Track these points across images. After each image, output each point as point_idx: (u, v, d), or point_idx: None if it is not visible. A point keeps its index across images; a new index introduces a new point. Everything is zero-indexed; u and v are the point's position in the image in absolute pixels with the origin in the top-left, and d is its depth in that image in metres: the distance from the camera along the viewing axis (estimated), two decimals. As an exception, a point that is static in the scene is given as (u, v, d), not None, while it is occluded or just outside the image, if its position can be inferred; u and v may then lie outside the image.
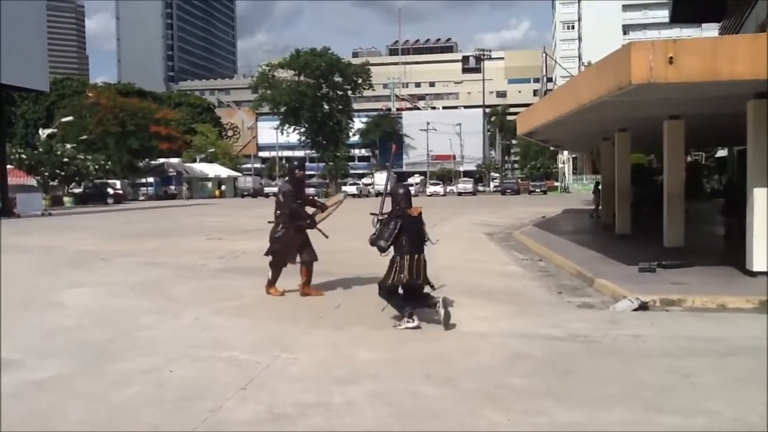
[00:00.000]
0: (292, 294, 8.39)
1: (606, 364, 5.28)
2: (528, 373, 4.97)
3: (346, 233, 18.26)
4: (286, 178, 9.17)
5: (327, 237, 8.87)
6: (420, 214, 6.86)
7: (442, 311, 6.34)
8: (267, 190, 61.07)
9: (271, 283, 8.52)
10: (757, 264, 9.70)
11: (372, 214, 6.96)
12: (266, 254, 8.55)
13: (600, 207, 24.44)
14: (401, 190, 6.99)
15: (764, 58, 8.12)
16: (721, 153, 39.67)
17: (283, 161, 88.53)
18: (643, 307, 7.92)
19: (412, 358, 5.42)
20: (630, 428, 3.86)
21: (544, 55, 70.86)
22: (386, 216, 6.79)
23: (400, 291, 6.71)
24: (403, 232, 6.61)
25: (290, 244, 8.38)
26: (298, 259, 8.50)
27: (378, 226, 6.84)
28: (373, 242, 6.75)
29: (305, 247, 8.48)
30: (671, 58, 8.28)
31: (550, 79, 74.15)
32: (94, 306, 7.96)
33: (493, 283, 9.93)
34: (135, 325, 6.84)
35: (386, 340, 6.02)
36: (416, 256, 6.61)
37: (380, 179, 70.96)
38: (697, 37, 9.78)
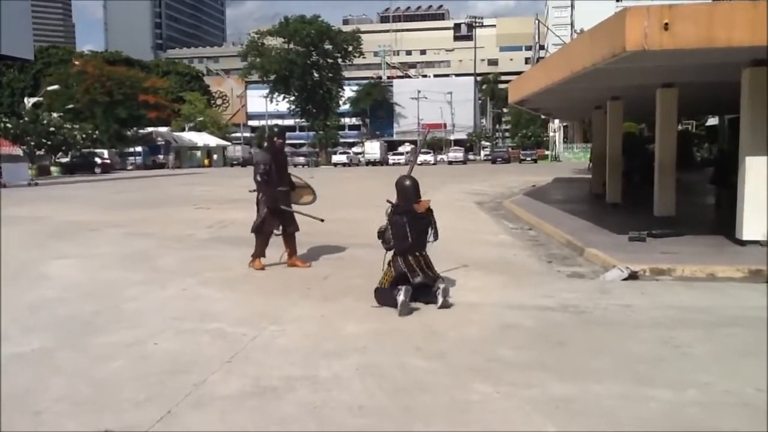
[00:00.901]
0: (281, 266, 8.29)
1: (597, 334, 5.23)
2: (519, 345, 4.91)
3: (336, 202, 18.24)
4: (264, 146, 8.80)
5: (322, 221, 8.88)
6: (428, 209, 6.47)
7: (440, 300, 6.07)
8: (256, 159, 60.58)
9: (255, 255, 8.24)
10: (747, 233, 9.68)
11: (389, 201, 6.59)
12: (252, 231, 8.32)
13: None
14: (408, 182, 6.51)
15: (764, 25, 7.98)
16: (712, 122, 39.58)
17: (273, 130, 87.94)
18: (633, 276, 7.89)
19: (401, 331, 5.34)
20: (622, 401, 3.81)
21: (536, 22, 70.20)
22: (392, 208, 6.43)
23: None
24: (409, 230, 6.25)
25: (270, 213, 8.16)
26: (279, 230, 8.31)
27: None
28: (391, 246, 6.36)
29: (286, 217, 8.24)
30: (666, 24, 8.12)
31: (542, 47, 73.58)
32: (81, 278, 7.85)
33: (484, 253, 9.86)
34: (121, 297, 6.74)
35: (375, 313, 5.94)
36: (418, 253, 6.29)
37: (370, 148, 70.71)
38: (694, 3, 9.54)
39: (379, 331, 5.32)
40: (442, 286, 6.15)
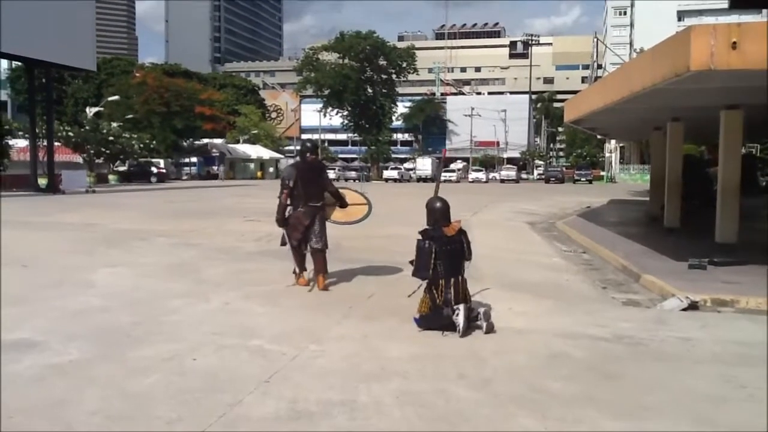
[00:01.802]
0: (329, 282, 8.14)
1: (652, 369, 4.91)
2: (567, 377, 4.64)
3: (386, 218, 18.13)
4: (296, 160, 8.39)
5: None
6: (460, 231, 6.11)
7: (484, 324, 5.79)
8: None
9: (297, 272, 8.07)
10: (817, 264, 9.17)
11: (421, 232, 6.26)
12: (282, 244, 8.15)
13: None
14: (437, 204, 6.19)
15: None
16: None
17: (325, 144, 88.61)
18: (693, 306, 7.50)
19: (444, 356, 5.13)
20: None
21: (595, 40, 69.11)
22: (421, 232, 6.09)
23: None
24: (438, 256, 5.86)
25: (294, 225, 7.87)
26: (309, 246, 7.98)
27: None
28: (415, 273, 6.01)
29: (314, 233, 7.86)
30: (734, 42, 7.77)
31: (600, 66, 72.44)
32: (125, 287, 7.86)
33: (534, 276, 9.57)
34: (162, 308, 6.70)
35: (419, 335, 5.74)
36: (453, 279, 5.88)
37: (422, 164, 70.60)
38: (763, 21, 9.12)
39: (422, 355, 5.12)
40: (482, 310, 5.92)
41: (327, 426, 3.71)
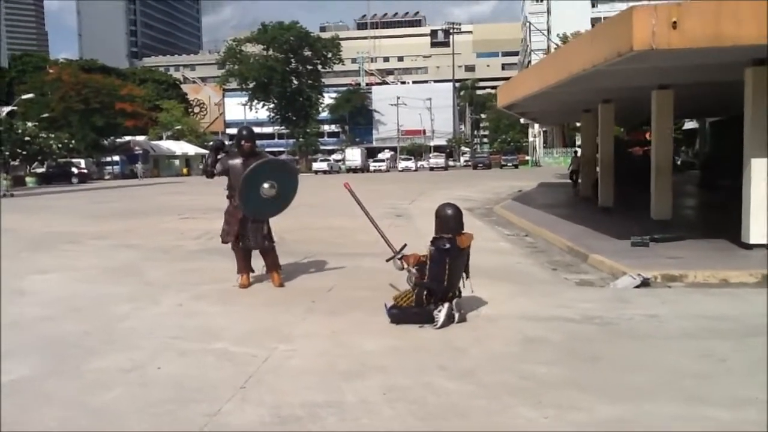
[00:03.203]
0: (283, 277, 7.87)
1: (630, 348, 4.90)
2: (549, 361, 4.57)
3: (324, 210, 17.87)
4: (231, 149, 7.84)
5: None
6: (469, 245, 5.75)
7: (456, 314, 5.62)
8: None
9: (239, 271, 7.50)
10: (754, 236, 9.47)
11: (389, 260, 5.93)
12: (223, 242, 7.69)
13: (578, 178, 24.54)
14: (450, 211, 5.70)
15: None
16: (689, 125, 39.68)
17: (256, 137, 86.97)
18: (645, 283, 7.61)
19: (420, 347, 4.97)
20: (679, 423, 3.47)
21: (528, 24, 70.08)
22: (431, 248, 5.61)
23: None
24: (450, 269, 5.51)
25: (228, 221, 7.47)
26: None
27: (408, 266, 5.73)
28: (427, 288, 5.55)
29: (251, 229, 7.36)
30: (675, 22, 7.89)
31: (527, 52, 73.77)
32: (64, 293, 7.35)
33: (486, 261, 9.48)
34: (111, 314, 6.27)
35: (389, 327, 5.55)
36: (450, 293, 5.64)
37: (351, 155, 70.37)
38: (700, 1, 9.26)
39: (397, 348, 4.94)
40: (455, 300, 5.77)
41: (318, 430, 3.49)
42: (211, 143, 7.49)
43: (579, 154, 29.43)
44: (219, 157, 7.50)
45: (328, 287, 7.33)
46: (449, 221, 5.67)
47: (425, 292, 5.62)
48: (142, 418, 3.70)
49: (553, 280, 8.14)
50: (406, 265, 5.84)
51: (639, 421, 3.50)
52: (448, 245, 5.52)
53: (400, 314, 5.67)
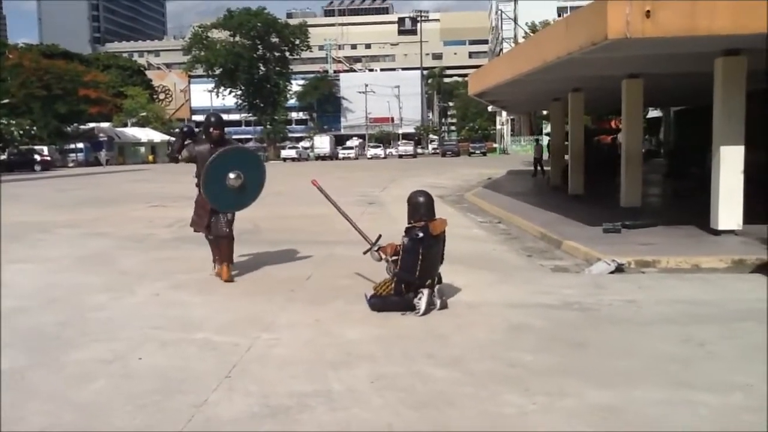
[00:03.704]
0: (260, 266, 7.80)
1: (612, 333, 4.96)
2: (535, 348, 4.60)
3: (294, 198, 17.76)
4: (199, 136, 7.48)
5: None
6: (443, 231, 5.76)
7: (437, 301, 5.62)
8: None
9: (215, 262, 7.26)
10: (723, 223, 9.67)
11: (365, 252, 5.96)
12: (195, 231, 7.50)
13: (540, 167, 24.89)
14: (422, 198, 5.71)
15: (744, 13, 7.91)
16: (653, 114, 40.22)
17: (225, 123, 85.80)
18: (619, 269, 7.73)
19: (404, 335, 4.96)
20: (669, 408, 3.52)
21: (499, 12, 70.09)
22: (404, 238, 5.56)
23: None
24: (423, 258, 5.48)
25: (197, 211, 7.25)
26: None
27: (386, 256, 5.72)
28: (400, 279, 5.53)
29: (218, 218, 7.13)
30: (648, 11, 7.97)
31: (496, 40, 73.92)
32: (38, 284, 7.18)
33: (461, 248, 9.49)
34: (87, 304, 6.15)
35: (371, 315, 5.54)
36: (429, 281, 5.61)
37: (320, 143, 70.02)
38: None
39: (381, 336, 4.93)
40: (436, 287, 5.78)
41: (308, 419, 3.46)
42: (178, 129, 7.30)
43: (540, 142, 29.83)
44: (186, 142, 7.26)
45: (306, 276, 7.28)
46: (420, 208, 5.71)
47: (397, 279, 5.63)
48: (127, 409, 3.63)
49: (530, 267, 8.20)
50: (383, 256, 5.84)
51: (628, 407, 3.53)
52: (421, 234, 5.53)
53: (380, 303, 5.67)
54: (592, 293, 6.28)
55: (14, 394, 3.92)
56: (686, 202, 14.36)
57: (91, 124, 62.26)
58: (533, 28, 41.38)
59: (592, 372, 4.08)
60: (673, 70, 12.58)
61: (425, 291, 5.51)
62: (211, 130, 7.13)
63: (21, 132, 46.99)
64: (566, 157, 19.50)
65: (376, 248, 5.89)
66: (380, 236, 6.06)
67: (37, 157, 46.10)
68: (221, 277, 7.05)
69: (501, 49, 62.79)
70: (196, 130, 7.77)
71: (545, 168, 25.40)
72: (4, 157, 46.30)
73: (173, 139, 6.81)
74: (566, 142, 20.27)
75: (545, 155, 26.07)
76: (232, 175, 6.87)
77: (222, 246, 7.14)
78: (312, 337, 4.94)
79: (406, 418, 3.46)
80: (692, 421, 3.36)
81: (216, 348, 4.72)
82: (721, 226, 9.67)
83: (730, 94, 9.55)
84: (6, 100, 52.57)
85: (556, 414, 3.47)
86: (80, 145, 58.45)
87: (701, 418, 3.40)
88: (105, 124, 64.43)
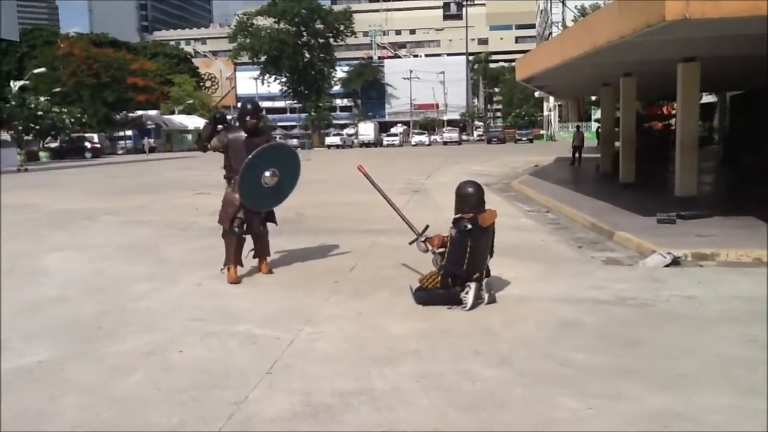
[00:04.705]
0: (303, 256, 7.66)
1: (670, 332, 4.68)
2: (587, 346, 4.36)
3: (340, 185, 17.68)
4: (232, 124, 7.05)
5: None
6: (493, 223, 5.54)
7: (485, 295, 5.41)
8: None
9: (226, 263, 6.71)
10: (786, 213, 9.22)
11: (412, 242, 5.77)
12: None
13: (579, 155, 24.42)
14: (471, 189, 5.46)
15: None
16: (706, 99, 38.83)
17: (263, 112, 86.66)
18: (676, 262, 7.37)
19: (450, 330, 4.78)
20: (735, 416, 3.26)
21: None
22: (452, 230, 5.35)
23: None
24: (472, 251, 5.26)
25: (226, 206, 6.78)
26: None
27: (433, 248, 5.52)
28: (447, 272, 5.35)
29: (250, 214, 6.74)
30: (709, -9, 7.55)
31: (545, 24, 72.47)
32: (81, 272, 7.22)
33: (509, 238, 9.25)
34: (129, 294, 6.13)
35: (416, 309, 5.37)
36: (477, 275, 5.39)
37: (364, 129, 69.92)
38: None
39: (427, 331, 4.75)
40: (484, 280, 5.55)
41: (351, 420, 3.31)
42: (212, 116, 7.03)
43: (581, 129, 29.14)
44: (218, 129, 6.81)
45: (350, 266, 7.14)
46: (470, 199, 5.47)
47: (444, 273, 5.44)
48: (165, 405, 3.54)
49: (581, 259, 7.90)
50: (430, 247, 5.65)
51: (689, 413, 3.29)
52: (469, 226, 5.31)
53: (426, 296, 5.49)
54: (647, 288, 5.99)
55: (50, 386, 3.88)
56: (744, 191, 13.79)
57: (139, 112, 63.36)
58: (583, 12, 40.36)
59: (649, 373, 3.83)
60: (731, 52, 12.01)
61: (472, 285, 5.31)
62: (248, 118, 6.71)
63: (72, 120, 47.98)
64: (617, 144, 18.96)
65: (423, 239, 5.70)
66: (427, 226, 5.87)
67: (88, 145, 47.13)
68: (228, 279, 6.59)
69: (550, 33, 61.45)
70: (229, 117, 7.37)
71: (582, 156, 25.09)
72: (56, 144, 47.42)
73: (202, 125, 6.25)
74: (616, 129, 19.72)
75: (585, 144, 25.63)
76: (267, 173, 6.48)
77: (262, 241, 6.89)
78: (355, 331, 4.80)
79: (454, 421, 3.28)
80: (758, 429, 3.10)
81: (257, 341, 4.61)
82: (784, 217, 9.21)
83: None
84: (57, 89, 53.80)
85: (613, 419, 3.24)
86: (129, 133, 59.52)
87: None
88: (152, 112, 65.47)
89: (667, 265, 7.26)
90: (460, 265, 5.32)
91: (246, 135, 6.67)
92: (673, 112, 37.86)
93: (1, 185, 16.91)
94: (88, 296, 6.12)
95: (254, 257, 6.96)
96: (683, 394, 3.53)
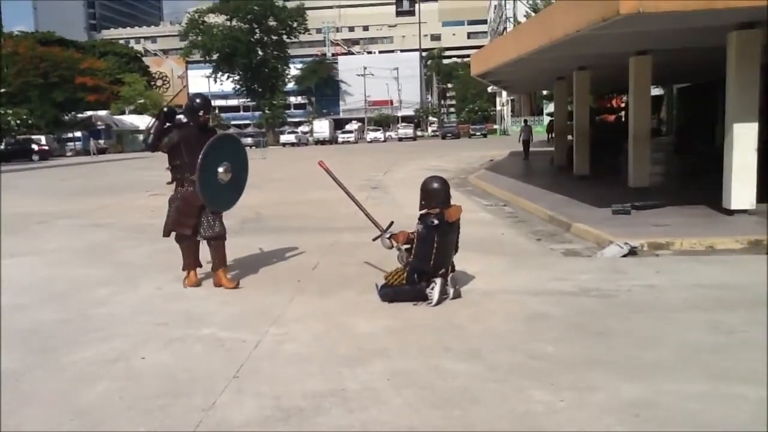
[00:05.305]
0: (264, 255, 7.56)
1: (635, 321, 4.75)
2: (556, 338, 4.39)
3: (298, 183, 17.54)
4: (181, 120, 6.53)
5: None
6: (458, 218, 5.54)
7: (451, 290, 5.43)
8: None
9: (184, 268, 6.42)
10: (736, 202, 9.45)
11: (375, 239, 5.72)
12: (165, 235, 6.52)
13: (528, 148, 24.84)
14: (436, 184, 5.46)
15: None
16: (654, 92, 39.71)
17: (215, 110, 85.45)
18: (633, 252, 7.51)
19: (418, 327, 4.76)
20: (708, 403, 3.31)
21: None
22: (418, 226, 5.34)
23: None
24: (438, 246, 5.26)
25: (183, 209, 6.28)
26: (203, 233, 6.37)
27: (398, 244, 5.49)
28: (413, 268, 5.32)
29: (206, 216, 6.28)
30: (662, -15, 7.69)
31: (499, 20, 73.06)
32: (36, 278, 6.98)
33: (470, 233, 9.19)
34: (88, 299, 5.95)
35: (382, 306, 5.34)
36: (443, 270, 5.39)
37: (319, 127, 69.61)
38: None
39: (395, 329, 4.72)
40: (450, 275, 5.55)
41: (324, 422, 3.25)
42: (156, 112, 6.50)
43: (528, 123, 29.58)
44: (166, 127, 6.29)
45: (313, 264, 7.08)
46: (438, 195, 5.46)
47: (410, 268, 5.42)
48: (131, 415, 3.43)
49: (541, 251, 7.99)
50: (396, 244, 5.62)
51: (662, 401, 3.33)
52: (436, 221, 5.31)
53: (391, 293, 5.46)
54: (608, 278, 6.08)
55: (10, 397, 3.72)
56: (695, 181, 14.13)
57: (89, 113, 61.77)
58: (535, 8, 40.82)
59: (619, 363, 3.88)
60: (683, 45, 12.28)
61: (438, 280, 5.31)
62: (201, 113, 6.29)
63: (18, 121, 46.53)
64: (569, 137, 19.23)
65: (388, 235, 5.67)
66: (392, 223, 5.84)
67: (35, 147, 45.69)
68: (185, 284, 6.35)
69: (504, 29, 62.04)
70: (179, 111, 6.75)
71: (530, 149, 25.72)
72: (1, 147, 45.95)
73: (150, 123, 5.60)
74: (569, 122, 20.00)
75: (535, 137, 26.04)
76: (221, 169, 6.12)
77: (218, 248, 6.32)
78: (322, 331, 4.74)
79: (428, 419, 3.26)
80: (734, 416, 3.16)
81: (223, 345, 4.51)
82: (734, 206, 9.45)
83: (743, 69, 9.28)
84: (2, 90, 52.11)
85: (587, 411, 3.26)
86: (78, 134, 58.01)
87: (744, 412, 3.19)
88: (102, 112, 63.94)
89: (624, 255, 7.39)
90: (426, 261, 5.31)
91: (198, 132, 6.26)
92: (623, 105, 38.70)
93: (1, 185, 16.28)
94: (45, 303, 5.91)
95: (213, 270, 6.40)
96: (656, 383, 3.57)
